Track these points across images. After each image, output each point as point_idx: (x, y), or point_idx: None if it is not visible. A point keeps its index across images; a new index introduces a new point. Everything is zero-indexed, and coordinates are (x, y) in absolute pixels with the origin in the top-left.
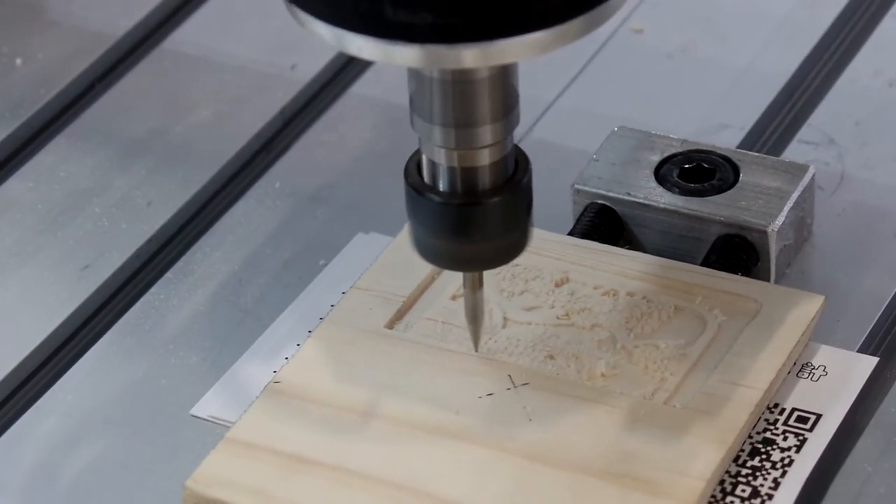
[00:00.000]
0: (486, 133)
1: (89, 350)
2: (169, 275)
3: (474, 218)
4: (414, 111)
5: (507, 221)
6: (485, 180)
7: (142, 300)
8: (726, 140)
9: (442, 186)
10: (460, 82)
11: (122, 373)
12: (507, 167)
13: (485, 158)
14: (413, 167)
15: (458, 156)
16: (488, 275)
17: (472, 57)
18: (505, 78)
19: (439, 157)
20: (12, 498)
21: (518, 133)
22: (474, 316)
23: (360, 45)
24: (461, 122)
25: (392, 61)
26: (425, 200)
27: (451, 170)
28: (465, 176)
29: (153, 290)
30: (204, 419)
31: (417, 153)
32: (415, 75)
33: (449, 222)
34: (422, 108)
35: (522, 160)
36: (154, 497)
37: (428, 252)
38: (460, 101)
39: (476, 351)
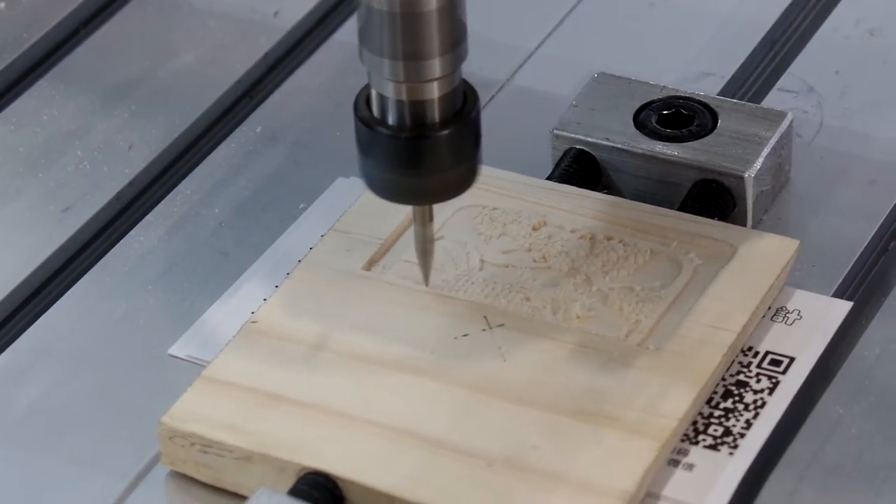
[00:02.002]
0: (435, 66)
1: (69, 290)
2: (149, 217)
3: (423, 151)
4: (363, 44)
5: (455, 155)
6: (433, 114)
7: (122, 242)
8: (707, 88)
9: (391, 120)
10: (408, 14)
11: (102, 313)
12: (455, 101)
13: (433, 92)
14: (362, 101)
15: (406, 89)
16: (466, 218)
17: None
18: (452, 11)
19: (388, 90)
20: None
21: (499, 80)
22: (424, 249)
23: None
24: (409, 55)
25: None
26: (375, 134)
27: (399, 103)
28: (414, 109)
29: (133, 232)
30: (182, 359)
31: (367, 88)
32: (364, 8)
33: (398, 156)
34: (371, 41)
35: (471, 95)
36: (132, 434)
37: (378, 186)
38: (408, 34)
39: (426, 286)
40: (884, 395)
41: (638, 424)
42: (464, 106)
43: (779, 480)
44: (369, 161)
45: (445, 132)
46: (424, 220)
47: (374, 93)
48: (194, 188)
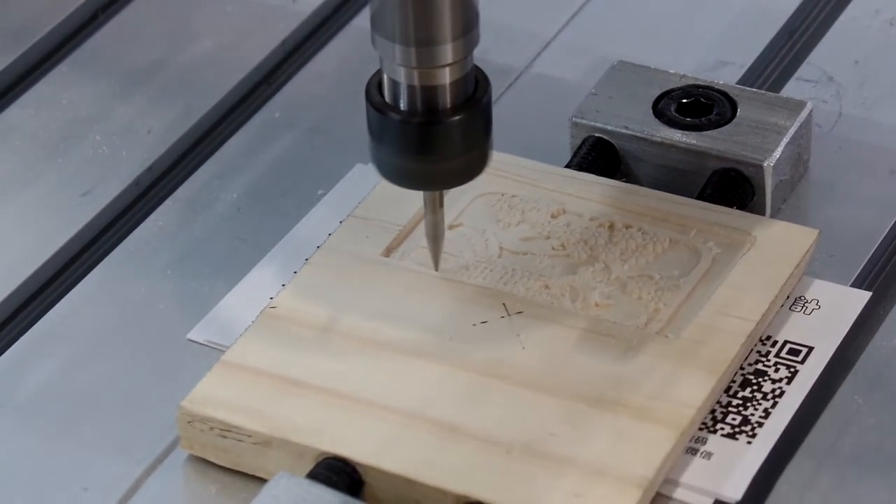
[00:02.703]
0: (447, 52)
1: (88, 274)
2: (168, 202)
3: (434, 137)
4: (375, 30)
5: (466, 141)
6: (445, 99)
7: (141, 227)
8: (726, 77)
9: (403, 105)
10: (421, 0)
11: (121, 297)
12: (467, 87)
13: (445, 77)
14: (374, 87)
15: (418, 74)
16: (485, 205)
17: None
18: None
19: (400, 76)
20: (11, 418)
21: (518, 68)
22: (434, 235)
23: None
24: (421, 41)
25: None
26: (386, 119)
27: (411, 88)
28: (426, 95)
29: (152, 217)
30: (201, 343)
31: (378, 73)
32: None
33: (409, 141)
34: (382, 26)
35: (483, 81)
36: (150, 418)
37: (389, 171)
38: (420, 19)
39: (436, 270)
40: None
41: (656, 412)
42: (475, 92)
43: (797, 470)
44: (381, 146)
45: (457, 118)
46: (435, 206)
47: (385, 78)
48: (212, 173)
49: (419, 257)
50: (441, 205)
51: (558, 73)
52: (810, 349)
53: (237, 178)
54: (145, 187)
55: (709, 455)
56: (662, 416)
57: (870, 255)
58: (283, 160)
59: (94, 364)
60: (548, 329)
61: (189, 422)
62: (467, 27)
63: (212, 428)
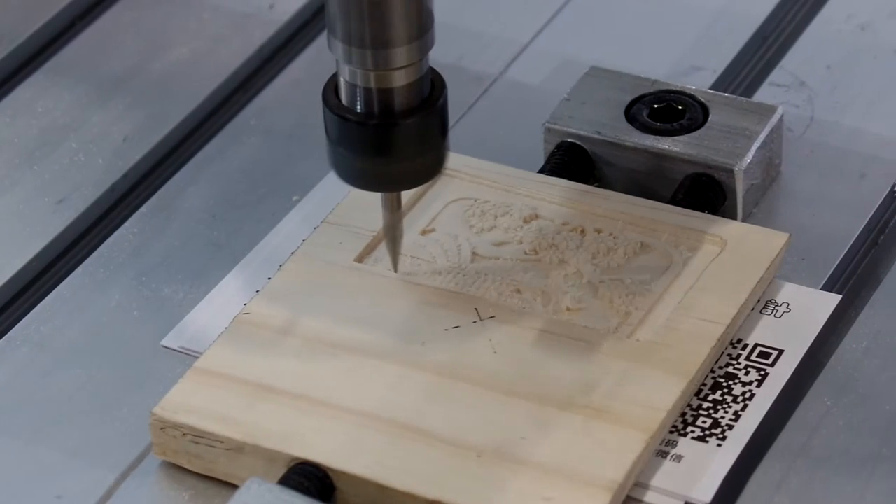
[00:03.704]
0: (402, 54)
1: (63, 281)
2: (143, 209)
3: (390, 138)
4: (331, 33)
5: (422, 142)
6: (401, 101)
7: (116, 234)
8: (699, 82)
9: (359, 108)
10: (375, 2)
11: (95, 304)
12: (422, 89)
13: (400, 80)
14: (331, 89)
15: (374, 77)
16: (458, 211)
17: None
18: None
19: (356, 78)
20: None
21: (492, 74)
22: (392, 236)
23: None
24: (377, 44)
25: None
26: (342, 121)
27: (367, 91)
28: (382, 97)
29: (127, 224)
30: (175, 350)
31: (335, 76)
32: None
33: (366, 142)
34: (338, 29)
35: (439, 83)
36: (124, 424)
37: (346, 173)
38: (376, 22)
39: (395, 271)
40: (871, 388)
41: (627, 416)
42: (431, 94)
43: (766, 471)
44: (338, 149)
45: (412, 120)
46: (392, 207)
47: (342, 81)
48: (188, 180)
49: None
50: (399, 206)
51: (532, 80)
52: (780, 352)
53: (212, 185)
54: (121, 194)
55: (679, 458)
56: (633, 420)
57: (840, 258)
58: (259, 167)
59: (67, 371)
60: (519, 333)
61: (162, 428)
62: (422, 30)
63: (184, 434)
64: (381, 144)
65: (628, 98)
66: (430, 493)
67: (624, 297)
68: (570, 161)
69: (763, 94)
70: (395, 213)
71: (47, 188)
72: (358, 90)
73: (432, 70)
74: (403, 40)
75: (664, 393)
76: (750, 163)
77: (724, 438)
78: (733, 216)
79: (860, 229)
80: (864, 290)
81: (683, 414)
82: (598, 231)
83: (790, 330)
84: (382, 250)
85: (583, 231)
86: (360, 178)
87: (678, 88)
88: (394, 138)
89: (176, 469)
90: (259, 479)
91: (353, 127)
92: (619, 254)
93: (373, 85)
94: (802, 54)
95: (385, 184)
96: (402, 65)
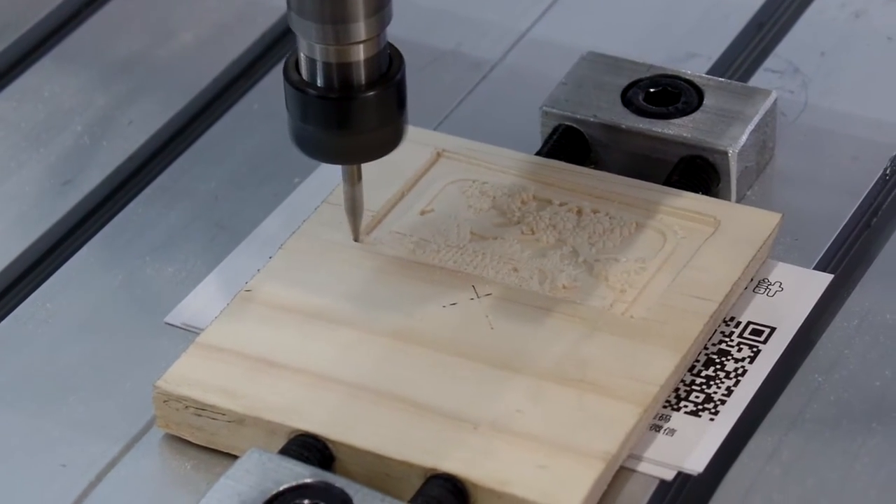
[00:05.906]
0: (360, 29)
1: (69, 260)
2: (147, 191)
3: (349, 111)
4: (290, 9)
5: (380, 116)
6: (360, 75)
7: (120, 214)
8: (695, 68)
9: (319, 82)
10: None
11: (100, 282)
12: (381, 64)
13: (359, 54)
14: (291, 64)
15: (333, 51)
16: (457, 193)
17: None
18: None
19: (315, 53)
20: None
21: (491, 60)
22: (352, 208)
23: None
24: (334, 18)
25: None
26: (303, 96)
27: (326, 66)
28: (341, 72)
29: (131, 205)
30: (178, 327)
31: (295, 51)
32: None
33: (326, 116)
34: (297, 5)
35: (397, 58)
36: (128, 398)
37: (308, 146)
38: None
39: (356, 240)
40: (861, 365)
41: (621, 390)
42: (389, 68)
43: (759, 443)
44: (299, 123)
45: (371, 93)
46: (353, 180)
47: (302, 56)
48: (191, 162)
49: (392, 242)
50: (359, 178)
51: (531, 65)
52: (773, 329)
53: (215, 168)
54: (126, 176)
55: (672, 431)
56: (627, 394)
57: (832, 239)
58: (261, 150)
59: (73, 346)
60: (516, 310)
61: (165, 401)
62: (379, 5)
63: (187, 407)
64: (340, 118)
65: (624, 82)
66: (427, 463)
67: (619, 275)
68: (568, 144)
69: (758, 80)
70: (355, 186)
71: (53, 170)
72: (317, 65)
73: (390, 45)
74: (361, 15)
75: (658, 368)
76: (744, 145)
77: (716, 413)
78: (727, 198)
79: (851, 211)
80: (856, 271)
81: (677, 389)
82: (595, 211)
83: (782, 308)
84: (381, 230)
85: (580, 211)
86: (321, 152)
87: (674, 73)
88: (353, 112)
89: (178, 441)
90: (259, 449)
91: (313, 101)
92: (615, 233)
93: (332, 60)
94: (797, 41)
95: (345, 156)
96: (361, 39)
